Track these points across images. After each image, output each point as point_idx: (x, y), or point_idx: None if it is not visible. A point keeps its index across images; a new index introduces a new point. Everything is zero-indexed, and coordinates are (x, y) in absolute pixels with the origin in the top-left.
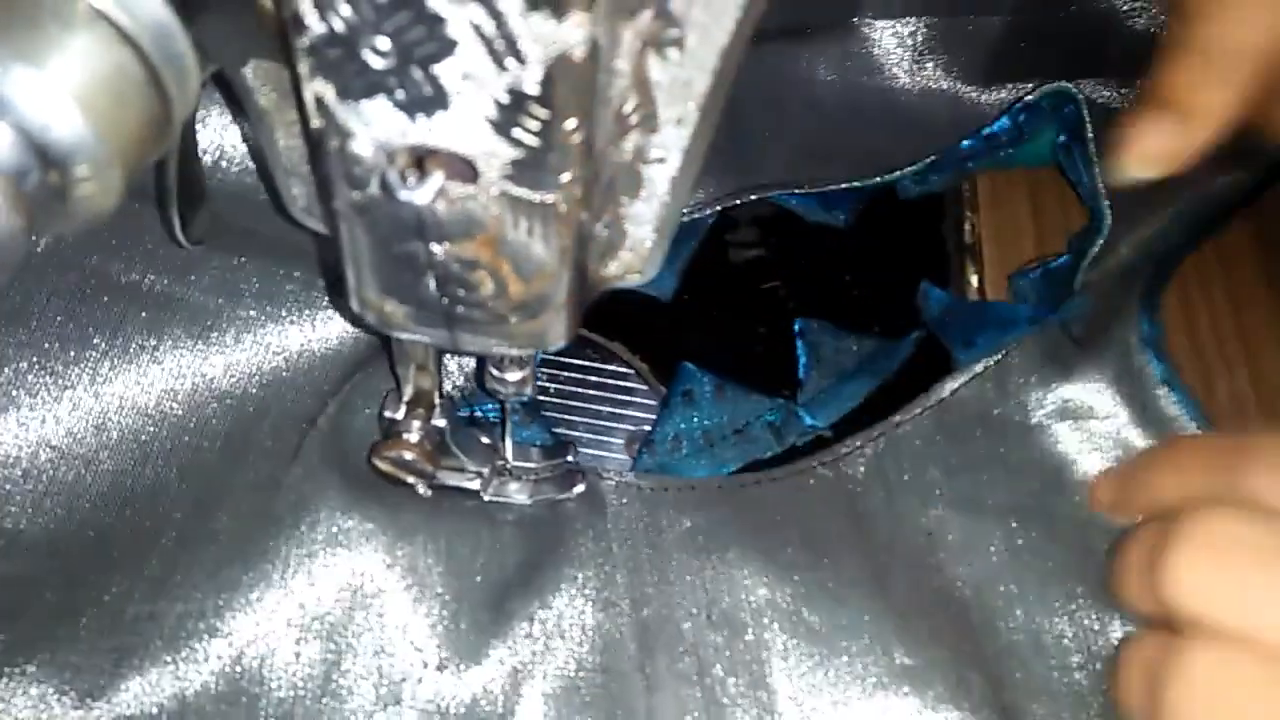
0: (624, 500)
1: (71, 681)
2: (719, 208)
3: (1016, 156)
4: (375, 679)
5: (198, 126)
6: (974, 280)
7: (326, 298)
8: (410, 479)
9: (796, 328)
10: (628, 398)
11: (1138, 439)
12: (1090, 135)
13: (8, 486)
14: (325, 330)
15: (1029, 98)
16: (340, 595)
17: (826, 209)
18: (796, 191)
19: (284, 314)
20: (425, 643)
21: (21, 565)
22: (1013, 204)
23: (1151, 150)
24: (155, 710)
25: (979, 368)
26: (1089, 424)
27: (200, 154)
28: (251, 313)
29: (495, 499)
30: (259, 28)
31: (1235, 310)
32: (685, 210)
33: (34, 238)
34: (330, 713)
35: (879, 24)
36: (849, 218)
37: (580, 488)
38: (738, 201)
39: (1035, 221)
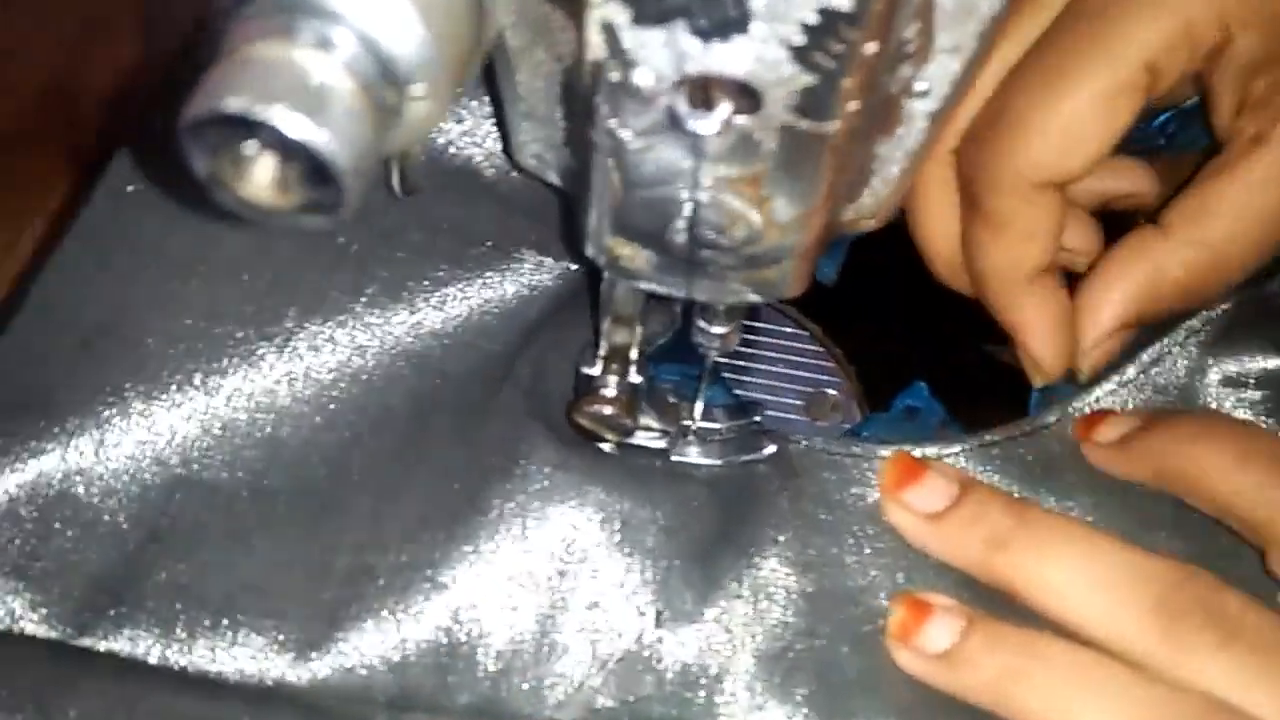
0: (814, 464)
1: (290, 633)
2: None
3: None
4: (591, 635)
5: None
6: None
7: (504, 264)
8: (606, 435)
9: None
10: (802, 358)
11: None
12: None
13: (207, 440)
14: (502, 291)
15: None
16: (554, 550)
17: None
18: None
19: (467, 278)
20: (641, 600)
21: (228, 518)
22: None
23: (1027, 368)
24: (377, 663)
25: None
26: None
27: None
28: (441, 273)
29: (681, 459)
30: None
31: None
32: None
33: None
34: (547, 667)
35: None
36: None
37: (770, 449)
38: None
39: None
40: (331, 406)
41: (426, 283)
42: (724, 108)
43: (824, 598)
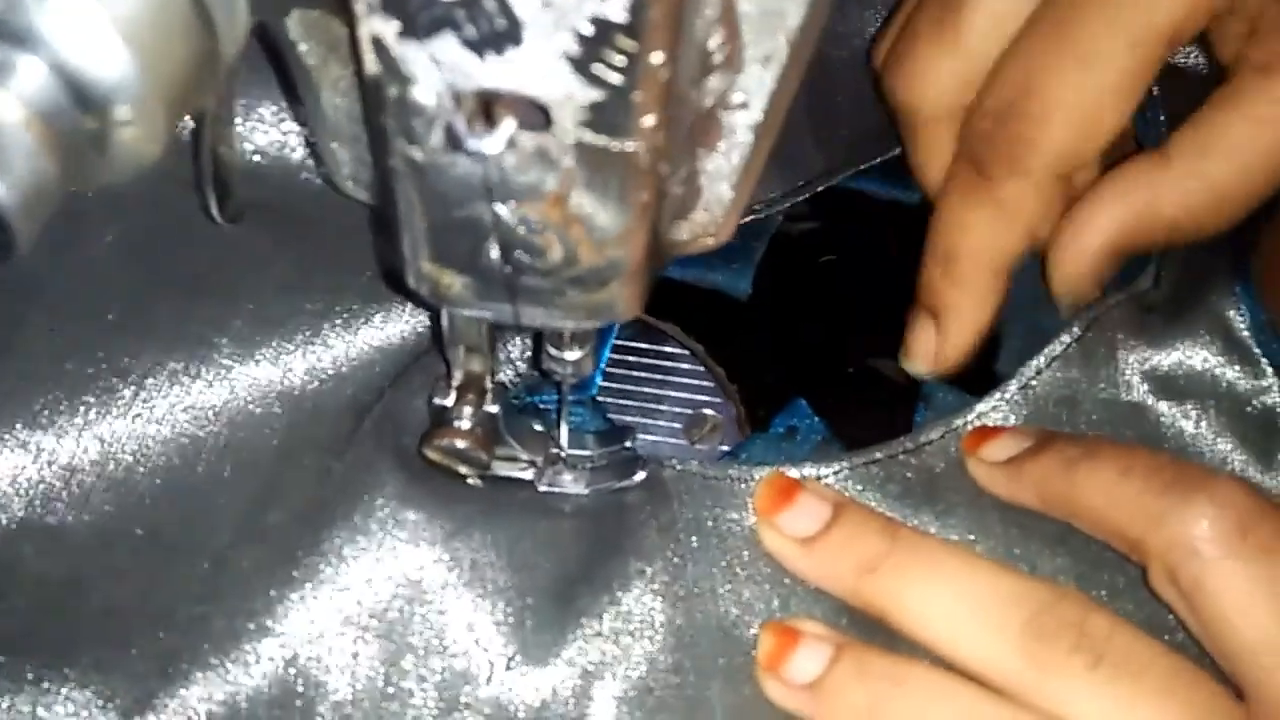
0: (689, 489)
1: (115, 690)
2: (785, 205)
3: None
4: (438, 680)
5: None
6: None
7: (384, 297)
8: (463, 469)
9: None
10: (681, 379)
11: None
12: (1157, 96)
13: (53, 484)
14: (386, 330)
15: None
16: (399, 591)
17: (896, 184)
18: (862, 169)
19: (346, 312)
20: (491, 642)
21: (66, 565)
22: None
23: (918, 351)
24: (205, 718)
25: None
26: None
27: (265, 148)
28: (317, 306)
29: (550, 489)
30: None
31: None
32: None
33: (70, 189)
34: (390, 716)
35: None
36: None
37: (640, 475)
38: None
39: None
40: (191, 448)
41: (299, 317)
42: (508, 125)
43: (694, 631)
